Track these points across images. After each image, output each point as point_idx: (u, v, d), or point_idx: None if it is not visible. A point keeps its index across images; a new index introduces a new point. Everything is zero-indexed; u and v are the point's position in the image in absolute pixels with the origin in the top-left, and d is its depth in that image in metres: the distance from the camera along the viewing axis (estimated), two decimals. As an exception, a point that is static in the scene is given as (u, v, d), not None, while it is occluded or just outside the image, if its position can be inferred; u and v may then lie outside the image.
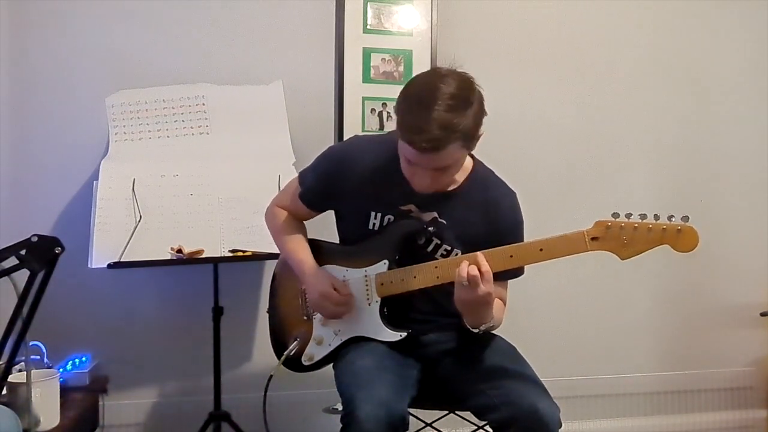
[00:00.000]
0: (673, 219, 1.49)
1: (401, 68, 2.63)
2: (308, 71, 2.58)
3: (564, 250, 1.55)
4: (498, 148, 2.59)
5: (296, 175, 1.94)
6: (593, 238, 1.54)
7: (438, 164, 1.58)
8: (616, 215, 1.52)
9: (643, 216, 1.50)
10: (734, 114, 2.94)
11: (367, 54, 2.61)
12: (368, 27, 2.61)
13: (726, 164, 2.94)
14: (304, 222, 1.94)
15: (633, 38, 2.84)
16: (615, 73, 2.83)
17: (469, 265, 1.54)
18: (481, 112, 1.58)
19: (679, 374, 2.94)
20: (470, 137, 1.57)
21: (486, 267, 1.54)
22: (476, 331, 1.66)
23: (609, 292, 2.86)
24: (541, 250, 1.59)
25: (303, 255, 1.84)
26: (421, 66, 2.62)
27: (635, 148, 2.87)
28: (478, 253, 1.58)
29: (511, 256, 1.61)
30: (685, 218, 1.48)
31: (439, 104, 1.50)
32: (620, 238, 1.52)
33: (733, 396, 2.99)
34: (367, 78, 2.61)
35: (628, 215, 1.51)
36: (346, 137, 2.55)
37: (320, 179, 1.84)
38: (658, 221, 1.50)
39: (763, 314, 2.90)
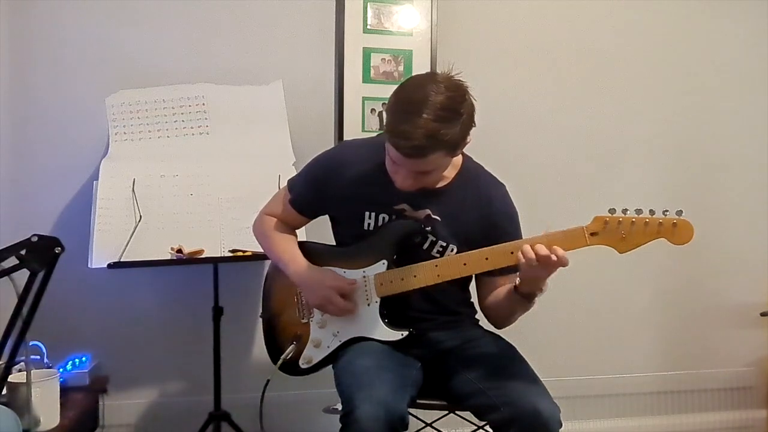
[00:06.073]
0: (668, 213, 1.54)
1: (401, 68, 2.63)
2: (308, 71, 2.58)
3: (565, 246, 1.56)
4: (497, 146, 2.61)
5: (290, 179, 1.94)
6: (592, 234, 1.57)
7: (420, 169, 1.60)
8: (612, 211, 1.56)
9: (639, 211, 1.55)
10: (735, 113, 2.94)
11: (367, 54, 2.61)
12: (368, 27, 2.61)
13: (726, 164, 2.94)
14: (296, 231, 1.94)
15: (633, 37, 2.84)
16: (615, 71, 2.83)
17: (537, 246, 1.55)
18: (470, 124, 1.59)
19: (679, 374, 2.94)
20: (455, 147, 1.59)
21: (561, 252, 1.53)
22: (534, 300, 1.68)
23: (608, 293, 2.87)
24: None
25: (293, 254, 1.84)
26: (421, 66, 2.62)
27: (635, 148, 2.86)
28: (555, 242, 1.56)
29: (512, 253, 1.61)
30: (679, 212, 1.53)
31: (428, 112, 1.50)
32: (618, 233, 1.55)
33: (733, 396, 2.99)
34: (367, 78, 2.61)
35: (624, 210, 1.55)
36: (346, 137, 2.56)
37: (310, 185, 1.85)
38: (653, 216, 1.54)
39: (763, 314, 2.89)
